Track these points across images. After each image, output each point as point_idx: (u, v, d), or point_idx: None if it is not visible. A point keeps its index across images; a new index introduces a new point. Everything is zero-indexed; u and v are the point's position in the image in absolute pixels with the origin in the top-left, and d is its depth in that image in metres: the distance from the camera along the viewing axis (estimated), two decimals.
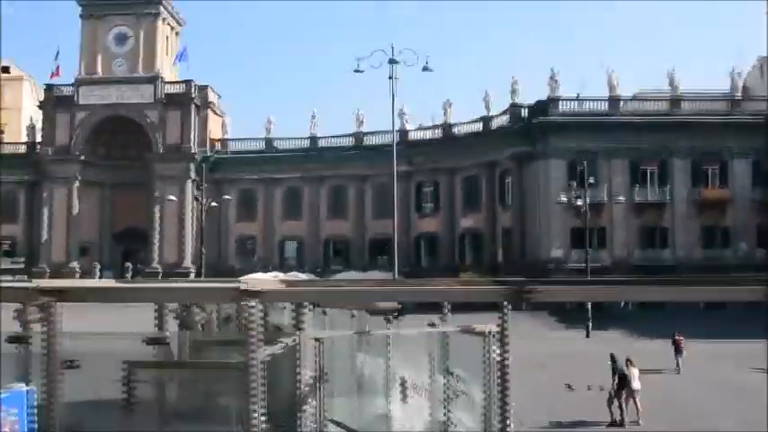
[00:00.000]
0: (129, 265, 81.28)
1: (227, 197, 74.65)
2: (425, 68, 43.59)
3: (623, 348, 28.95)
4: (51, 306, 8.90)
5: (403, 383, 12.81)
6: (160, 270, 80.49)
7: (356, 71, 43.08)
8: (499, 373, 9.92)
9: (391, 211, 79.84)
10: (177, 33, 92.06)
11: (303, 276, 71.78)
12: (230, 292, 8.63)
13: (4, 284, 10.14)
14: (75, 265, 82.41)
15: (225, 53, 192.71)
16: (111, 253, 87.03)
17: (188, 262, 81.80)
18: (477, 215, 75.46)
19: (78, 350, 10.26)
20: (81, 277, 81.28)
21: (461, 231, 77.02)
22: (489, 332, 10.45)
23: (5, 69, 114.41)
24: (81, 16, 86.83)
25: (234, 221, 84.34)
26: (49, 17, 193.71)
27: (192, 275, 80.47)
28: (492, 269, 66.88)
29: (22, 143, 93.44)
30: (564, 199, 56.63)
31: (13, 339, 10.51)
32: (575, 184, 60.81)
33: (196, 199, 71.27)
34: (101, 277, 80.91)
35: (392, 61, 42.28)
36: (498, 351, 9.92)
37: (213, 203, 64.86)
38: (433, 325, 12.07)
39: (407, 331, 11.93)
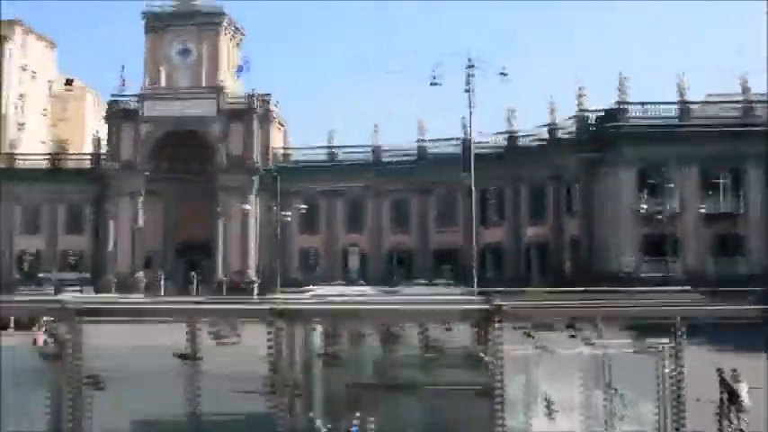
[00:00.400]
0: (194, 275, 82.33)
1: (301, 207, 75.16)
2: (502, 73, 43.35)
3: (711, 361, 28.36)
4: (280, 325, 8.90)
5: (547, 400, 12.71)
6: (225, 281, 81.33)
7: (432, 84, 43.02)
8: (673, 390, 9.78)
9: (455, 222, 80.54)
10: (238, 44, 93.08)
11: (369, 290, 72.06)
12: (474, 312, 8.53)
13: (243, 305, 10.24)
14: (140, 275, 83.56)
15: (284, 61, 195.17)
16: (174, 264, 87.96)
17: (252, 273, 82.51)
18: (543, 225, 74.87)
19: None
20: (146, 288, 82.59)
21: (527, 242, 76.48)
22: (661, 348, 10.30)
23: (69, 82, 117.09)
24: (145, 31, 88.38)
25: (296, 233, 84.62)
26: (113, 32, 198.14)
27: (256, 287, 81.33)
28: (559, 280, 66.25)
29: (86, 156, 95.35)
30: (643, 207, 55.90)
31: (183, 356, 10.63)
32: (646, 192, 60.27)
33: (270, 209, 71.90)
34: (164, 289, 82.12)
35: (470, 70, 42.14)
36: (672, 367, 9.77)
37: (284, 214, 65.39)
38: (590, 342, 11.92)
39: (584, 350, 11.71)
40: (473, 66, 41.98)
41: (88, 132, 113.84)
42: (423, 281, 73.34)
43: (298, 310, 9.36)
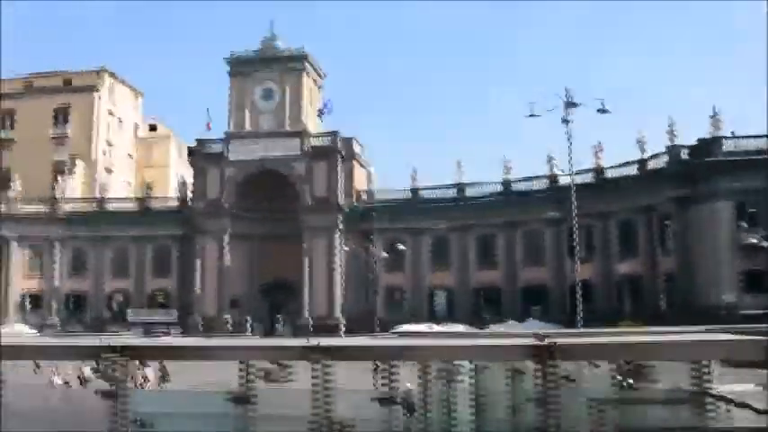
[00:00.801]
0: (279, 317, 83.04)
1: (401, 247, 75.10)
2: (602, 110, 42.74)
3: None
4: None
5: None
6: (311, 322, 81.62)
7: (531, 116, 42.55)
8: None
9: (542, 259, 79.58)
10: (319, 86, 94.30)
11: (461, 328, 71.37)
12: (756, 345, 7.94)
13: (503, 342, 9.70)
14: (227, 317, 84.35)
15: (363, 101, 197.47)
16: (258, 305, 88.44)
17: (337, 314, 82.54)
18: (634, 260, 73.35)
19: None
20: (233, 329, 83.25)
21: (618, 278, 75.02)
22: None
23: (153, 128, 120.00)
24: (229, 74, 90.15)
25: (381, 272, 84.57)
26: (193, 76, 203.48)
27: (343, 328, 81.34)
28: (654, 317, 64.62)
29: (172, 198, 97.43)
30: (752, 239, 54.38)
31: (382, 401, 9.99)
32: (745, 225, 58.63)
33: (367, 249, 72.08)
34: (252, 330, 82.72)
35: (570, 104, 41.51)
36: None
37: (384, 254, 65.63)
38: None
39: None
40: (572, 101, 41.28)
41: (171, 176, 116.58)
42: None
43: (575, 346, 8.79)
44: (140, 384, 36.88)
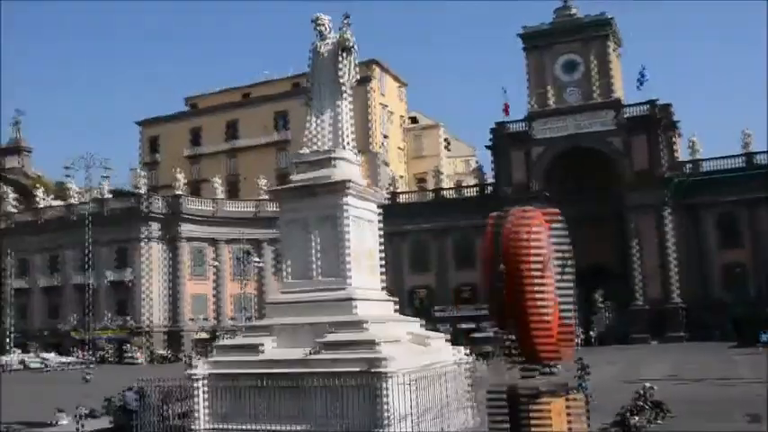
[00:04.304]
0: (606, 303, 79.38)
1: None
2: None
3: None
4: None
5: None
6: (646, 307, 77.22)
7: None
8: None
9: None
10: (618, 54, 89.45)
11: None
12: None
13: None
14: None
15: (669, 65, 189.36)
16: (576, 292, 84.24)
17: (676, 296, 77.44)
18: None
19: None
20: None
21: None
22: None
23: (413, 119, 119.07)
24: (524, 50, 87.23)
25: (715, 248, 78.78)
26: (445, 64, 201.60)
27: (683, 311, 76.57)
28: None
29: (466, 187, 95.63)
30: None
31: None
32: None
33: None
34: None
35: None
36: None
37: None
38: None
39: None
40: None
41: (442, 166, 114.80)
42: None
43: None
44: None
